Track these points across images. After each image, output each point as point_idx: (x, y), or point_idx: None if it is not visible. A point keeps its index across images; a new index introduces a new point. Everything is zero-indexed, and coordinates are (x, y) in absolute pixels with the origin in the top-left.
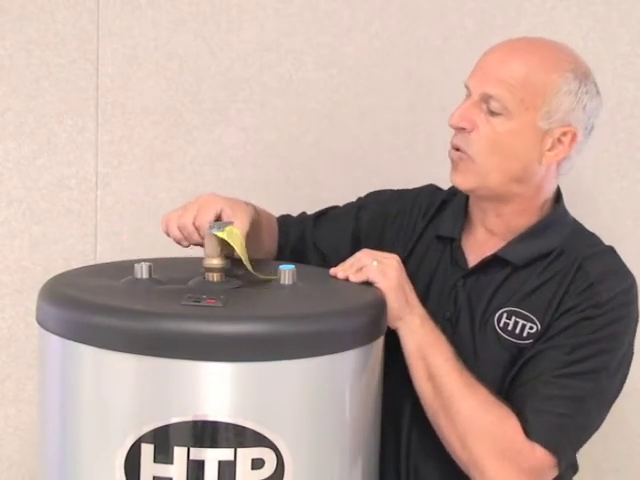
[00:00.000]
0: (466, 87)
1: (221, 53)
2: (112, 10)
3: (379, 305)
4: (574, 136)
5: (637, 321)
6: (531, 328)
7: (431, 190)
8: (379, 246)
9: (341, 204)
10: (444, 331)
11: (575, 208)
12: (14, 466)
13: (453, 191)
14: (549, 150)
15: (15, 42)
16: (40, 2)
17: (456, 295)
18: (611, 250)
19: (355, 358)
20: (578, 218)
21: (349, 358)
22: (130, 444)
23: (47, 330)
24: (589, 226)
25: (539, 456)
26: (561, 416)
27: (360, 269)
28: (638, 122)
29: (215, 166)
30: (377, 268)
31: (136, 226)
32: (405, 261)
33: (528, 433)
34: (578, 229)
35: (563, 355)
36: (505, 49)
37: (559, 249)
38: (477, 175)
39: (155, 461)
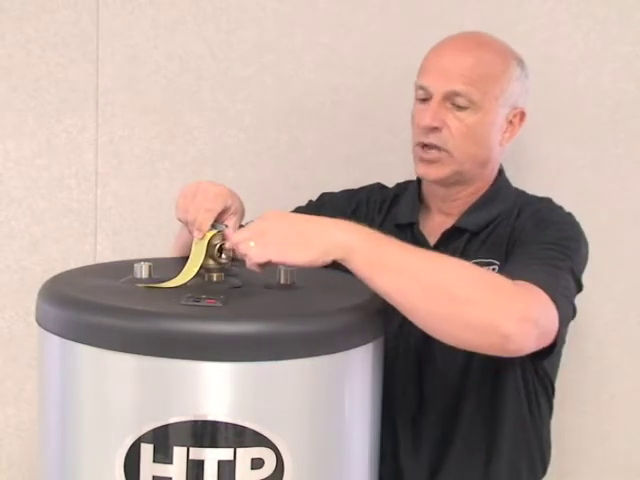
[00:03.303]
0: (420, 88)
1: (221, 53)
2: (112, 10)
3: (379, 304)
4: (523, 115)
5: (586, 243)
6: (493, 269)
7: (380, 187)
8: None
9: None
10: None
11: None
12: (14, 466)
13: (403, 186)
14: (504, 132)
15: (15, 42)
16: (40, 2)
17: None
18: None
19: (355, 358)
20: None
21: (349, 358)
22: (130, 444)
23: (47, 330)
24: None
25: (539, 292)
26: (548, 273)
27: (245, 256)
28: (638, 122)
29: (215, 166)
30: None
31: (136, 226)
32: None
33: (520, 279)
34: (522, 194)
35: (530, 252)
36: (453, 46)
37: (507, 211)
38: (453, 165)
39: (155, 461)
